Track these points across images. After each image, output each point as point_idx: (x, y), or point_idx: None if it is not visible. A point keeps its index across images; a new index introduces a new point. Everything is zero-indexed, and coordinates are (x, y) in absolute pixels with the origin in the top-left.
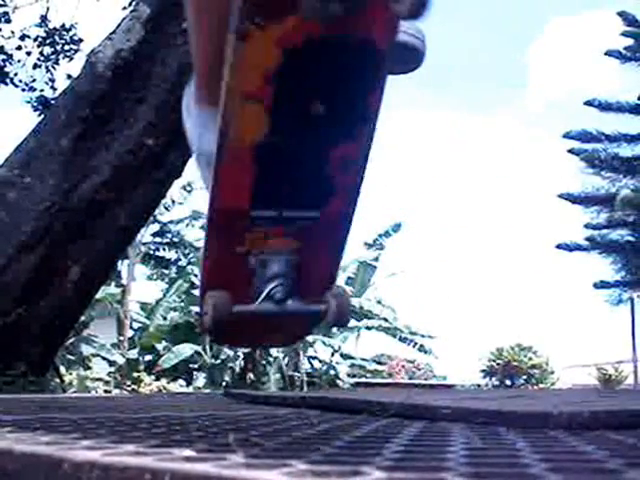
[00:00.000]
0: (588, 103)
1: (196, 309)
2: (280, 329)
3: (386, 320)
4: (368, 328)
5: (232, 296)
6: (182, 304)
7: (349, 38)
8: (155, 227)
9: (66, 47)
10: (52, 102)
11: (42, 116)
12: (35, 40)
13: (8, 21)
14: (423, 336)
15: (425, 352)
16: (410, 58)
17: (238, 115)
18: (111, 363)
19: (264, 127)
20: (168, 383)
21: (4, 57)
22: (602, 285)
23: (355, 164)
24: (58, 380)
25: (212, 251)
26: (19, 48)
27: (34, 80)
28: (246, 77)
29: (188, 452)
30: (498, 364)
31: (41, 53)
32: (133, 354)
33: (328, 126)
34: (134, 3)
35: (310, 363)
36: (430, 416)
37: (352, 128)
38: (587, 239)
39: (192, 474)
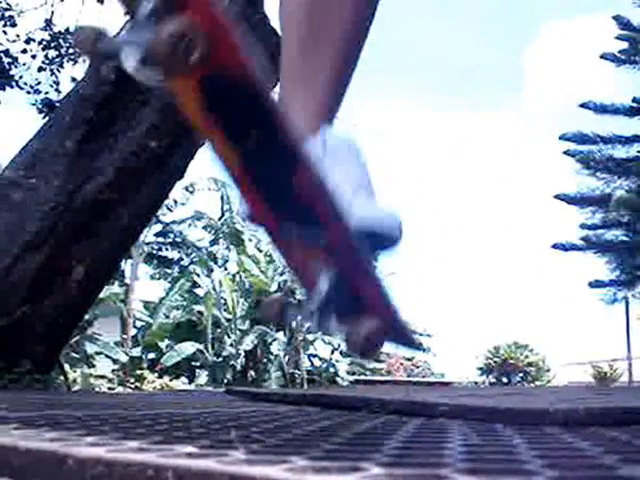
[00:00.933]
0: (583, 105)
1: (198, 308)
2: None
3: None
4: None
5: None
6: (184, 303)
7: (217, 78)
8: (158, 227)
9: (70, 50)
10: (57, 104)
11: (47, 118)
12: (40, 43)
13: (13, 25)
14: (421, 334)
15: (423, 350)
16: (387, 241)
17: (213, 147)
18: (115, 361)
19: (235, 157)
20: (171, 380)
21: (10, 60)
22: (597, 284)
23: (317, 188)
24: (63, 378)
25: (278, 248)
26: (24, 51)
27: (39, 83)
28: (191, 118)
29: (190, 448)
30: (495, 362)
31: (46, 56)
32: (136, 352)
33: (269, 154)
34: None
35: (310, 361)
36: (428, 413)
37: (285, 154)
38: (582, 239)
39: (194, 470)
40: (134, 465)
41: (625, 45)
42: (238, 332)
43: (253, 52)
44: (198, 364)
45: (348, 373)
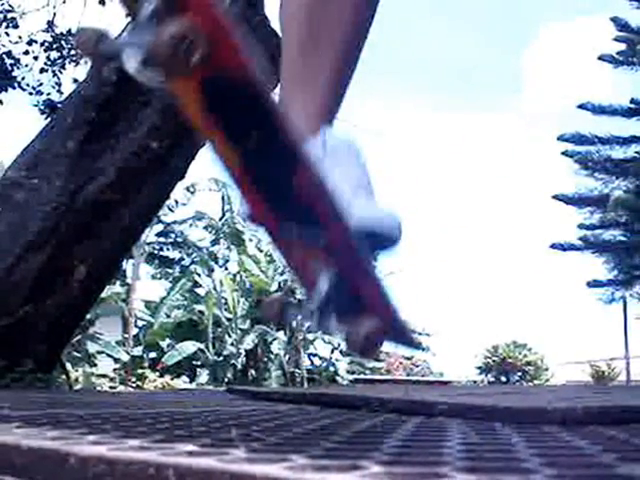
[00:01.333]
0: (582, 107)
1: (199, 307)
2: None
3: None
4: None
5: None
6: (185, 302)
7: (217, 79)
8: (159, 227)
9: (72, 52)
10: (59, 105)
11: (49, 119)
12: (42, 45)
13: (15, 26)
14: (421, 334)
15: (422, 349)
16: (387, 241)
17: (213, 147)
18: (116, 360)
19: (236, 157)
20: (172, 379)
21: (12, 61)
22: (595, 284)
23: (317, 188)
24: (64, 377)
25: (279, 249)
26: (26, 53)
27: (41, 84)
28: (192, 118)
29: (191, 447)
30: (494, 361)
31: (48, 58)
32: (138, 351)
33: (269, 154)
34: None
35: (310, 360)
36: (427, 412)
37: (285, 155)
38: (581, 239)
39: (195, 468)
40: (135, 464)
41: (623, 47)
42: (239, 331)
43: (253, 53)
44: (199, 363)
45: (348, 372)
